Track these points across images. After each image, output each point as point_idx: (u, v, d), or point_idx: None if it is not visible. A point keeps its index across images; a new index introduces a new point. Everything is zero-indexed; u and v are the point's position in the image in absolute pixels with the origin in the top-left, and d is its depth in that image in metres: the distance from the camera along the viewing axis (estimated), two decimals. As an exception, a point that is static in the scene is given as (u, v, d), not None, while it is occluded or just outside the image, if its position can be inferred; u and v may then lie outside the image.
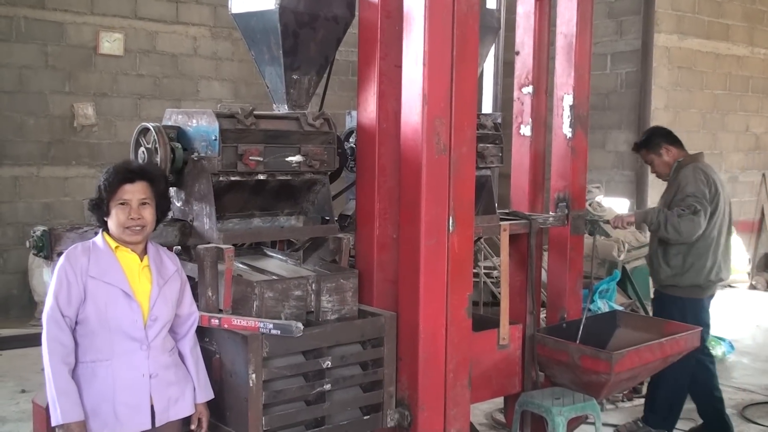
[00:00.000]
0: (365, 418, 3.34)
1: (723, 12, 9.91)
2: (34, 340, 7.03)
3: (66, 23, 8.47)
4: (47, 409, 3.71)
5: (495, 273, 8.04)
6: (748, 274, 10.94)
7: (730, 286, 10.85)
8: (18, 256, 8.23)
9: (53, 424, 2.80)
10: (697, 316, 4.86)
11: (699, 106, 9.85)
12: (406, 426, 3.42)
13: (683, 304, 4.88)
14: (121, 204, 2.85)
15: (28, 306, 8.20)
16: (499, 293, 4.80)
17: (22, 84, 8.27)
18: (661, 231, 4.73)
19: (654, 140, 5.05)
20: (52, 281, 2.85)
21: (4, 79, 8.16)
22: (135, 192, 2.86)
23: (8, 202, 8.27)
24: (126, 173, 2.89)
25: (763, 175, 10.78)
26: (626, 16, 9.48)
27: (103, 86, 8.75)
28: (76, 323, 2.83)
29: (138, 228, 2.86)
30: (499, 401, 5.06)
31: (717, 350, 6.82)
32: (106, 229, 2.92)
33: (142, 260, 2.92)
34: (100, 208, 2.90)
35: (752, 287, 10.71)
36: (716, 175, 4.97)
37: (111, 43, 8.72)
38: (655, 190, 8.64)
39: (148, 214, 2.88)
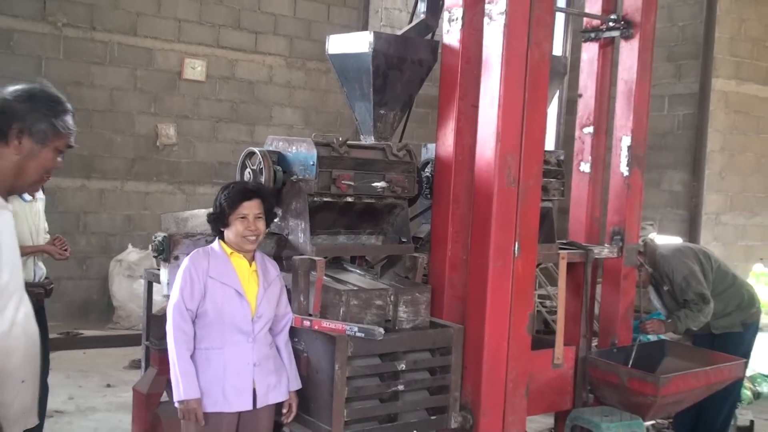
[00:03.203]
0: (432, 418, 3.72)
1: (782, 59, 10.15)
2: (114, 342, 7.66)
3: (155, 49, 9.15)
4: (147, 395, 4.21)
5: (547, 302, 8.35)
6: (801, 317, 11.02)
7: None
8: (99, 263, 8.84)
9: (175, 399, 3.28)
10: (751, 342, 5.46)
11: (755, 150, 10.05)
12: (468, 428, 3.79)
13: (740, 336, 5.36)
14: (241, 218, 3.32)
15: (106, 310, 8.78)
16: (552, 321, 5.14)
17: (113, 104, 8.95)
18: (694, 328, 5.21)
19: None
20: (177, 279, 3.33)
21: (97, 99, 8.84)
22: (252, 208, 3.34)
23: (94, 213, 8.91)
24: (246, 192, 3.36)
25: (818, 219, 10.89)
26: (685, 60, 9.77)
27: (185, 109, 9.39)
28: (196, 316, 3.30)
29: (254, 238, 3.34)
30: (550, 423, 5.38)
31: (764, 387, 7.03)
32: (222, 237, 3.39)
33: (251, 265, 3.39)
34: (220, 221, 3.37)
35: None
36: (672, 241, 5.60)
37: (194, 69, 9.36)
38: (708, 231, 8.90)
39: (262, 225, 3.36)
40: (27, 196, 4.82)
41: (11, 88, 2.39)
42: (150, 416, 4.23)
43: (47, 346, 5.12)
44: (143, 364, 4.76)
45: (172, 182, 9.30)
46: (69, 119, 2.41)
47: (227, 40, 9.62)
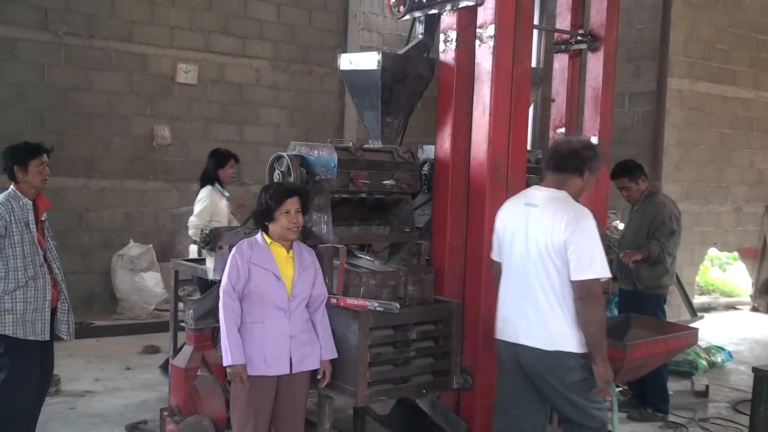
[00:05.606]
0: (437, 380, 4.40)
1: (731, 59, 10.96)
2: (123, 330, 8.23)
3: (149, 55, 9.66)
4: (186, 370, 4.80)
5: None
6: (751, 297, 11.93)
7: (734, 308, 11.84)
8: (102, 258, 9.35)
9: (225, 364, 3.89)
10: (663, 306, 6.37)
11: (707, 143, 10.87)
12: (467, 388, 4.47)
13: (660, 299, 6.26)
14: (286, 212, 3.93)
15: (108, 302, 9.30)
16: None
17: (111, 108, 9.45)
18: (661, 258, 6.04)
19: (635, 171, 6.32)
20: (227, 266, 3.93)
21: (95, 103, 9.35)
22: (293, 204, 3.95)
23: (95, 211, 9.42)
24: (289, 191, 3.97)
25: (766, 206, 11.77)
26: (643, 60, 10.54)
27: (179, 111, 9.93)
28: (243, 295, 3.92)
29: (296, 229, 3.95)
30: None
31: (717, 357, 7.84)
32: (265, 230, 4.00)
33: (288, 252, 4.01)
34: (266, 216, 3.96)
35: (754, 309, 11.70)
36: None
37: (186, 74, 9.89)
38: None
39: (301, 218, 3.98)
40: (226, 192, 6.37)
41: (576, 140, 3.88)
42: (188, 388, 4.83)
43: None
44: (171, 346, 5.36)
45: (168, 180, 9.83)
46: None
47: (216, 45, 10.17)
